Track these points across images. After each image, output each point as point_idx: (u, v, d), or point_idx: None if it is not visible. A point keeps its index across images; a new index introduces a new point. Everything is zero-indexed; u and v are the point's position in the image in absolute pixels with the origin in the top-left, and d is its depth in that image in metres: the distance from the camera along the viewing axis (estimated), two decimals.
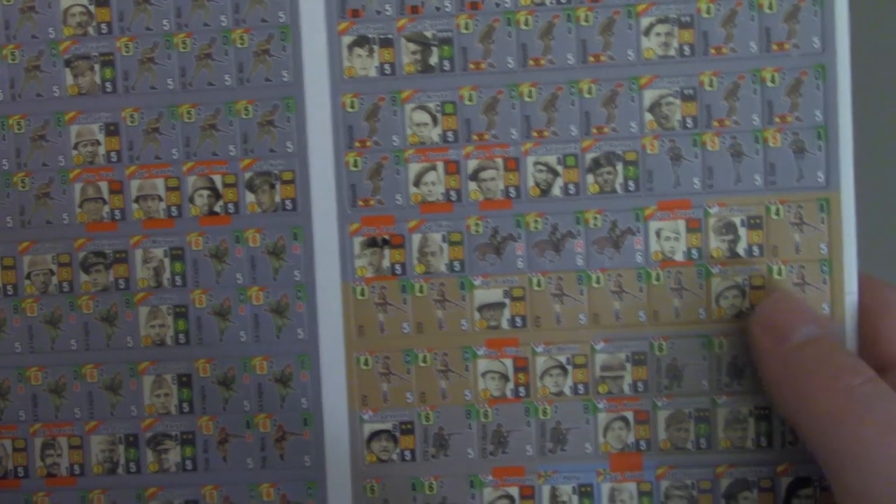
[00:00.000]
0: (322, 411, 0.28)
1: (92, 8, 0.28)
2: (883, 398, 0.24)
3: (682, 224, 0.28)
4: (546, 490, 0.28)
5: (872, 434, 0.23)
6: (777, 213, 0.27)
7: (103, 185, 0.28)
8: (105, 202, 0.28)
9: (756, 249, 0.28)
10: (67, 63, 0.28)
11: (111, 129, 0.28)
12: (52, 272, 0.28)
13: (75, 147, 0.28)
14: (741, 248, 0.28)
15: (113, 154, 0.28)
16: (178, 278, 0.28)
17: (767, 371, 0.26)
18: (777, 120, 0.27)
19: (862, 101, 0.27)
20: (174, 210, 0.28)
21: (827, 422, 0.24)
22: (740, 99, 0.27)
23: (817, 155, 0.27)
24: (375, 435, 0.28)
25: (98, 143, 0.28)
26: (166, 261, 0.28)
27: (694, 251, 0.28)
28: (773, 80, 0.27)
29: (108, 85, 0.28)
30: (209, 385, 0.28)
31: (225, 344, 0.28)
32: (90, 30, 0.28)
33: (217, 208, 0.28)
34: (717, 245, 0.28)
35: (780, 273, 0.27)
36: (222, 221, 0.28)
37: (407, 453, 0.28)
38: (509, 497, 0.28)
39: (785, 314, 0.26)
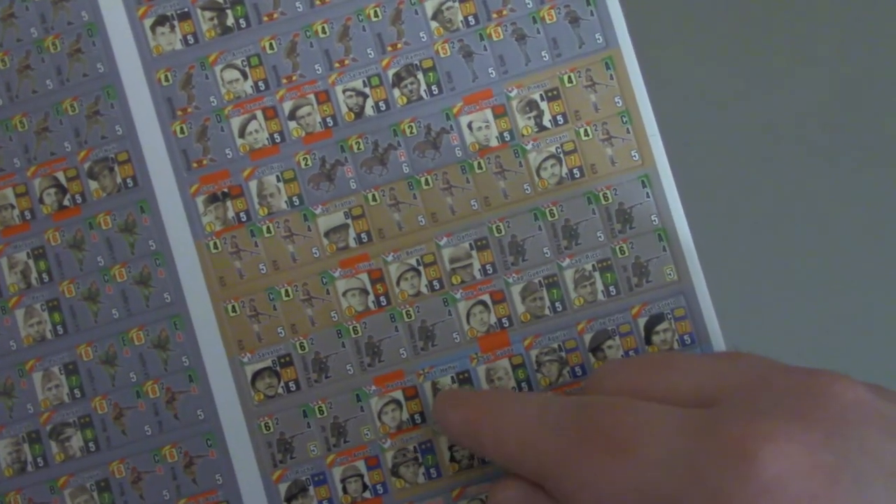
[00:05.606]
0: (203, 365, 0.30)
1: None
2: None
3: (489, 112, 0.30)
4: (427, 386, 0.30)
5: None
6: (570, 81, 0.30)
7: None
8: None
9: (560, 118, 0.30)
10: None
11: None
12: None
13: None
14: (547, 121, 0.30)
15: None
16: (44, 275, 0.30)
17: None
18: None
19: None
20: (27, 214, 0.30)
21: None
22: None
23: (591, 20, 0.30)
24: (258, 374, 0.30)
25: None
26: (30, 262, 0.30)
27: (506, 134, 0.30)
28: None
29: None
30: (94, 367, 0.30)
31: (100, 325, 0.30)
32: None
33: (66, 202, 0.30)
34: (524, 123, 0.30)
35: (586, 134, 0.30)
36: (73, 213, 0.30)
37: (291, 384, 0.30)
38: (396, 401, 0.30)
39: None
